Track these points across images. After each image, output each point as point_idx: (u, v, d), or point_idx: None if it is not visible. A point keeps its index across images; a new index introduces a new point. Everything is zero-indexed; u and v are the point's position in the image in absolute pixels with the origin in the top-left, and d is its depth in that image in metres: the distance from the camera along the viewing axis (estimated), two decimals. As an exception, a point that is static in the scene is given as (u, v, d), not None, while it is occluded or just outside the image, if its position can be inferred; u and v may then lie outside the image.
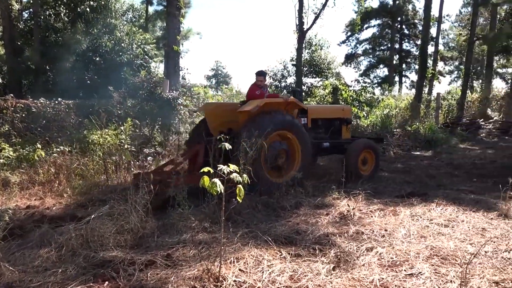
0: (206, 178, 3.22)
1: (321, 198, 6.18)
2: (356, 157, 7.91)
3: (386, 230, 4.73)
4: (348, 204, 5.75)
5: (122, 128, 8.33)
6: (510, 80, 25.18)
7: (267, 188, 6.41)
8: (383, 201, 6.12)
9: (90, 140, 8.25)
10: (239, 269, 3.67)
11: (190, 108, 11.91)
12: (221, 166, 3.30)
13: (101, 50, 16.57)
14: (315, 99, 17.30)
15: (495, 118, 19.10)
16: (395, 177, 8.22)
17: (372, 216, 5.33)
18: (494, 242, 4.41)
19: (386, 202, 6.07)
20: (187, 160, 6.72)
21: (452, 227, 4.93)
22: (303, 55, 20.78)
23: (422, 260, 3.89)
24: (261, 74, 7.56)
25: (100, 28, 17.38)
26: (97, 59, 16.43)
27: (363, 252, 4.09)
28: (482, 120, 17.88)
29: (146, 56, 17.43)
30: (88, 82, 15.47)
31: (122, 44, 16.89)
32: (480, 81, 34.59)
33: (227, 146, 4.04)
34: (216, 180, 3.18)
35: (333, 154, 8.77)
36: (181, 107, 10.93)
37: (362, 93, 16.41)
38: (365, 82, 32.47)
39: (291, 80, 23.33)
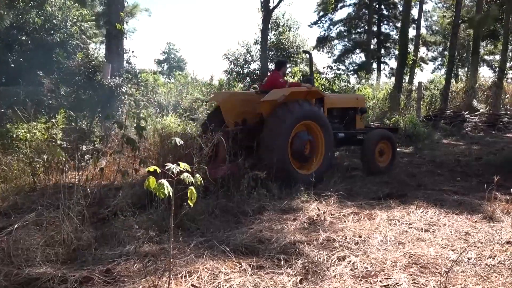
0: (151, 179, 3.17)
1: (288, 201, 6.23)
2: (373, 148, 8.76)
3: (360, 237, 4.81)
4: (318, 208, 5.83)
5: (54, 121, 8.15)
6: (497, 68, 26.13)
7: (297, 181, 7.08)
8: (357, 204, 6.25)
9: (14, 136, 8.01)
10: (192, 285, 3.64)
11: (137, 98, 11.73)
12: (169, 165, 3.26)
13: (28, 28, 15.96)
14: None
15: (481, 110, 19.83)
16: (371, 177, 8.40)
17: (345, 221, 5.41)
18: (478, 247, 4.55)
19: (361, 205, 6.20)
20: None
21: (433, 231, 5.07)
22: (269, 37, 20.92)
23: (400, 269, 3.98)
24: (285, 63, 8.77)
25: (26, 1, 16.77)
26: (23, 38, 15.82)
27: (334, 261, 4.14)
28: (467, 112, 18.54)
29: (83, 36, 16.94)
30: (12, 65, 14.91)
31: (54, 21, 16.33)
32: (466, 69, 35.89)
33: (178, 141, 4.01)
34: (164, 181, 3.14)
35: (348, 146, 9.65)
36: (126, 96, 10.75)
37: (336, 81, 16.68)
38: (339, 69, 32.99)
39: (255, 66, 23.42)
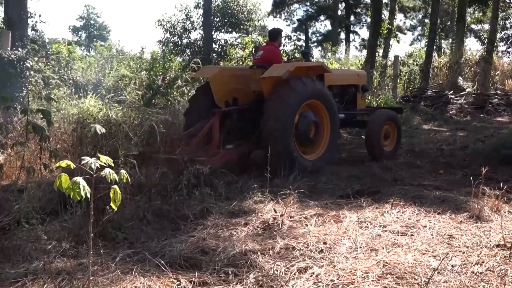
0: (64, 177, 3.10)
1: (238, 201, 6.27)
2: (380, 131, 9.60)
3: (325, 243, 4.85)
4: (274, 209, 5.87)
5: None
6: (486, 40, 26.94)
7: (303, 168, 7.85)
8: (322, 204, 6.36)
9: None
10: (118, 308, 3.60)
11: (47, 75, 11.42)
12: (87, 158, 3.19)
13: None
14: (231, 63, 17.37)
15: (468, 89, 20.43)
16: (339, 171, 8.56)
17: (307, 225, 5.46)
18: (463, 252, 4.68)
19: (326, 205, 6.31)
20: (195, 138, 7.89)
21: (411, 235, 5.18)
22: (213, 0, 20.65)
23: (372, 281, 4.03)
24: (281, 32, 9.42)
25: None
26: None
27: (294, 274, 4.15)
28: (451, 92, 19.09)
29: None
30: None
31: None
32: (450, 40, 36.85)
33: (99, 129, 3.94)
34: (79, 179, 3.07)
35: (348, 127, 10.90)
36: (32, 72, 10.45)
37: (296, 54, 16.62)
38: (299, 40, 33.18)
39: (196, 35, 23.20)
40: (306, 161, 8.19)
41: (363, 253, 4.65)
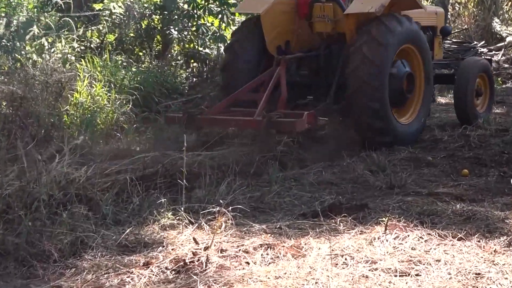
0: None
1: (135, 227, 6.25)
2: (472, 86, 11.10)
3: (277, 294, 4.74)
4: (195, 239, 5.75)
5: None
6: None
7: (397, 136, 9.55)
8: (273, 228, 6.29)
9: None
10: None
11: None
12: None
13: None
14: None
15: (509, 38, 20.32)
16: (302, 173, 8.55)
17: (248, 263, 5.37)
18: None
19: (280, 230, 6.23)
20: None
21: (417, 275, 5.09)
22: None
23: None
24: None
25: None
26: None
27: None
28: (483, 43, 18.56)
29: None
30: None
31: None
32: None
33: None
34: None
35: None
36: None
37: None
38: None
39: None
40: (401, 126, 9.69)
41: (339, 310, 4.63)
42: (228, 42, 11.96)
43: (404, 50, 9.72)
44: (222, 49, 14.19)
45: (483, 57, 16.15)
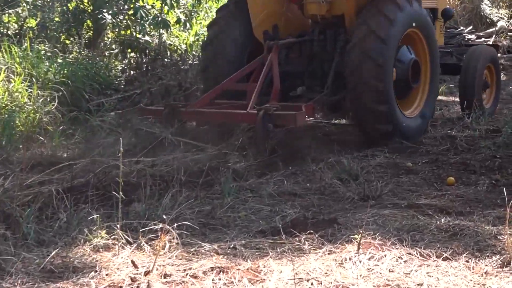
0: None
1: (62, 249, 6.05)
2: (480, 77, 11.40)
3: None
4: (133, 262, 5.63)
5: None
6: None
7: (402, 131, 9.84)
8: (226, 247, 6.21)
9: None
10: None
11: None
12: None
13: None
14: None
15: (500, 23, 20.52)
16: (260, 182, 8.48)
17: None
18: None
19: (235, 249, 6.16)
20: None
21: None
22: None
23: None
24: None
25: None
26: None
27: None
28: (470, 28, 18.99)
29: None
30: None
31: None
32: None
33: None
34: None
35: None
36: None
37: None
38: None
39: None
40: (407, 120, 9.92)
41: None
42: (213, 19, 11.92)
43: (409, 35, 9.95)
44: (164, 36, 14.62)
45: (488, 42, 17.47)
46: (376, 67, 9.25)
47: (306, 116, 9.05)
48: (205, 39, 11.48)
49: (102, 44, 15.32)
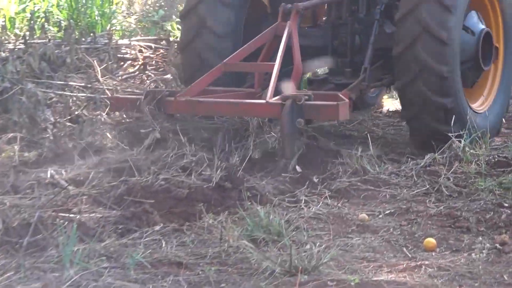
0: None
1: None
2: None
3: None
4: None
5: None
6: None
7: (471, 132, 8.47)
8: None
9: None
10: None
11: None
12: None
13: None
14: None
15: None
16: (123, 244, 6.97)
17: None
18: None
19: None
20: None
21: None
22: None
23: None
24: None
25: None
26: None
27: None
28: None
29: None
30: None
31: None
32: None
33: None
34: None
35: None
36: None
37: None
38: None
39: None
40: (475, 117, 8.43)
41: None
42: None
43: (476, 3, 8.72)
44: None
45: None
46: (437, 44, 7.81)
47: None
48: (185, 2, 9.57)
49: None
